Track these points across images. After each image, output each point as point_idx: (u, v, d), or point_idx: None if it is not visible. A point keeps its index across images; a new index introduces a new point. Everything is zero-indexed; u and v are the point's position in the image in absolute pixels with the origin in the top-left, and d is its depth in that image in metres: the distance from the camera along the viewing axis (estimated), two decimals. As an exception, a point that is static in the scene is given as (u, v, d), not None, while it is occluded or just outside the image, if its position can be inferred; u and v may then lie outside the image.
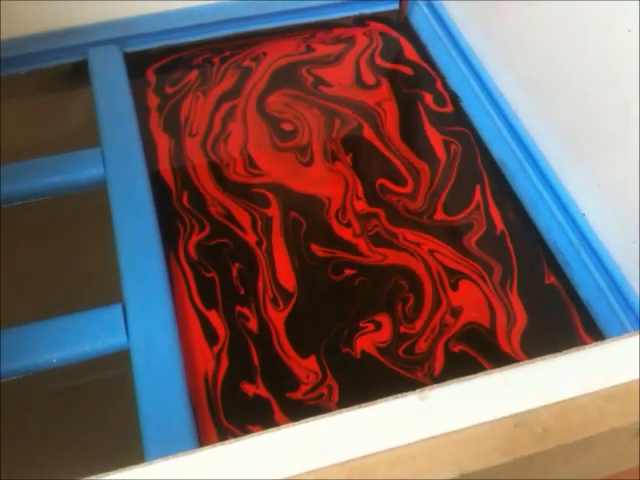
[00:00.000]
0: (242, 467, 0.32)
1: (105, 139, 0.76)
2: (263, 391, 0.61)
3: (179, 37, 0.89)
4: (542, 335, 0.66)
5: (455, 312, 0.67)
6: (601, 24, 0.63)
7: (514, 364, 0.35)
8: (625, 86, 0.61)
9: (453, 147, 0.81)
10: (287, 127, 0.82)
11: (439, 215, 0.74)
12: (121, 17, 0.88)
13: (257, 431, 0.33)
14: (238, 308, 0.66)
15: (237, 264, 0.69)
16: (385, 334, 0.65)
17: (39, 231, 0.72)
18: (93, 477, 0.31)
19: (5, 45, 0.83)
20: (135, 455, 0.54)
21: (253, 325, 0.65)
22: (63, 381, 0.61)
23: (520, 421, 0.33)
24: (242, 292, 0.67)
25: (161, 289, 0.64)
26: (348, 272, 0.69)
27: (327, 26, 0.94)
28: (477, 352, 0.64)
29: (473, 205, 0.75)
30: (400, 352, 0.64)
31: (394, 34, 0.94)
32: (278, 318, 0.65)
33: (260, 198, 0.75)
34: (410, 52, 0.91)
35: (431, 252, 0.71)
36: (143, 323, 0.61)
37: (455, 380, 0.34)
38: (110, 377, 0.62)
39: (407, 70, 0.89)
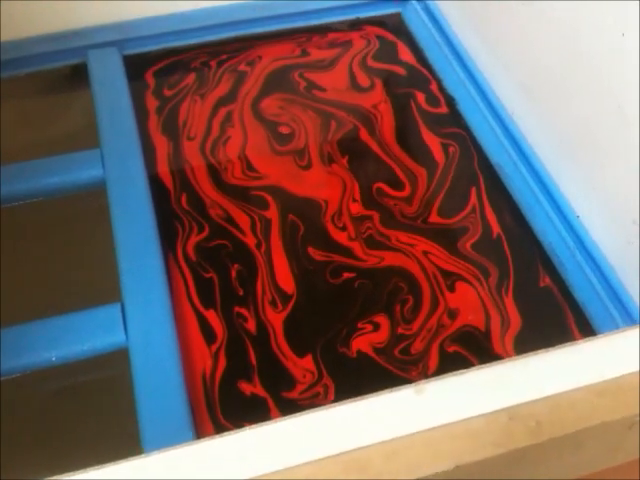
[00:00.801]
0: (238, 459, 0.32)
1: (104, 140, 0.76)
2: (260, 390, 0.61)
3: (178, 40, 0.90)
4: (536, 337, 0.66)
5: (452, 314, 0.67)
6: (596, 28, 0.63)
7: (509, 358, 0.35)
8: (619, 90, 0.62)
9: (452, 149, 0.81)
10: (284, 130, 0.82)
11: (434, 218, 0.75)
12: (120, 20, 0.88)
13: (254, 427, 0.33)
14: (237, 309, 0.66)
15: (236, 265, 0.70)
16: (383, 335, 0.65)
17: (38, 231, 0.72)
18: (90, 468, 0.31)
19: (5, 47, 0.84)
20: (133, 454, 0.54)
21: (251, 326, 0.65)
22: (62, 379, 0.61)
23: (514, 414, 0.34)
24: (241, 293, 0.68)
25: (159, 288, 0.64)
26: (347, 275, 0.69)
27: (324, 30, 0.94)
28: (471, 353, 0.65)
29: (469, 208, 0.76)
30: (396, 352, 0.64)
31: (390, 37, 0.94)
32: (276, 319, 0.66)
33: (259, 200, 0.75)
34: (406, 55, 0.92)
35: (425, 253, 0.71)
36: (141, 322, 0.62)
37: (450, 374, 0.35)
38: (109, 375, 0.62)
39: (403, 73, 0.90)
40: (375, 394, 0.34)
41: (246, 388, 0.61)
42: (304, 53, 0.91)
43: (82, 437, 0.59)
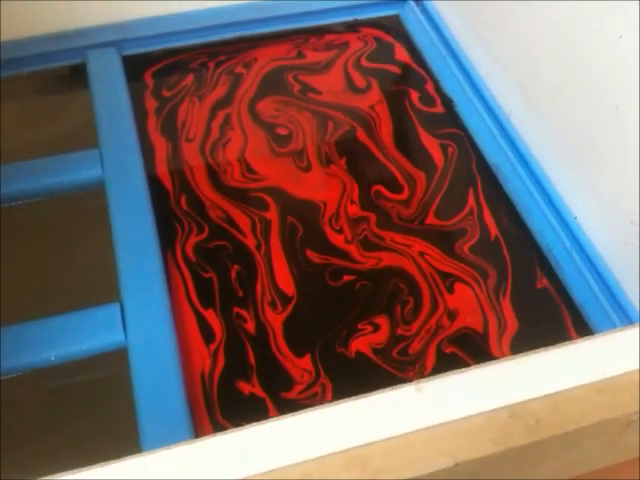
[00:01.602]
0: (237, 458, 0.32)
1: (103, 140, 0.76)
2: (258, 390, 0.61)
3: (177, 40, 0.90)
4: (534, 339, 0.66)
5: (451, 315, 0.67)
6: (593, 30, 0.64)
7: (508, 357, 0.36)
8: (616, 91, 0.62)
9: (450, 150, 0.81)
10: (282, 132, 0.82)
11: (431, 220, 0.75)
12: (120, 20, 0.88)
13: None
14: (236, 309, 0.66)
15: (236, 266, 0.70)
16: (382, 335, 0.65)
17: (37, 231, 0.72)
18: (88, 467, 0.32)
19: (4, 47, 0.84)
20: (132, 453, 0.54)
21: (250, 326, 0.65)
22: (61, 379, 0.61)
23: (514, 412, 0.34)
24: (240, 294, 0.68)
25: (158, 288, 0.64)
26: (347, 278, 0.69)
27: (321, 31, 0.94)
28: (467, 355, 0.65)
29: (466, 210, 0.76)
30: (394, 353, 0.64)
31: (388, 39, 0.95)
32: (276, 320, 0.66)
33: (259, 202, 0.75)
34: (404, 56, 0.92)
35: (421, 254, 0.71)
36: (140, 321, 0.62)
37: (451, 372, 0.35)
38: (108, 375, 0.62)
39: (401, 74, 0.90)
40: (375, 392, 0.34)
41: (245, 388, 0.61)
42: (300, 55, 0.91)
43: (81, 436, 0.59)
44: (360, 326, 0.66)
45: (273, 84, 0.88)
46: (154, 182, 0.76)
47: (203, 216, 0.73)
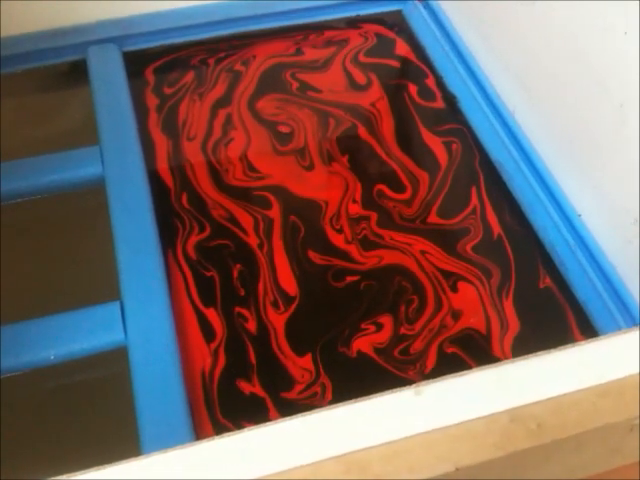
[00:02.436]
0: (236, 461, 0.32)
1: (104, 137, 0.76)
2: (259, 390, 0.61)
3: (178, 37, 0.90)
4: (537, 339, 0.66)
5: (455, 315, 0.67)
6: (598, 26, 0.63)
7: (509, 360, 0.35)
8: (620, 88, 0.62)
9: (454, 146, 0.81)
10: (284, 129, 0.82)
11: (433, 219, 0.74)
12: (120, 16, 0.88)
13: (252, 428, 0.33)
14: (237, 309, 0.66)
15: (238, 265, 0.69)
16: (385, 335, 0.65)
17: (37, 229, 0.72)
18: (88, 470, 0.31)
19: (4, 43, 0.84)
20: (132, 451, 0.54)
21: (251, 326, 0.65)
22: (61, 378, 0.61)
23: (515, 416, 0.33)
24: (242, 293, 0.67)
25: (159, 287, 0.64)
26: (350, 279, 0.69)
27: (322, 27, 0.94)
28: (468, 355, 0.64)
29: (470, 208, 0.75)
30: (396, 352, 0.64)
31: (390, 34, 0.94)
32: (278, 320, 0.66)
33: (262, 200, 0.75)
34: (405, 51, 0.92)
35: (423, 253, 0.71)
36: (141, 320, 0.62)
37: (450, 375, 0.34)
38: (108, 374, 0.62)
39: (402, 69, 0.90)
40: (375, 395, 0.34)
41: (245, 387, 0.61)
42: (298, 52, 0.91)
43: (81, 435, 0.59)
44: (363, 326, 0.66)
45: (271, 82, 0.87)
46: (155, 180, 0.76)
47: (205, 215, 0.73)
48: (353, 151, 0.80)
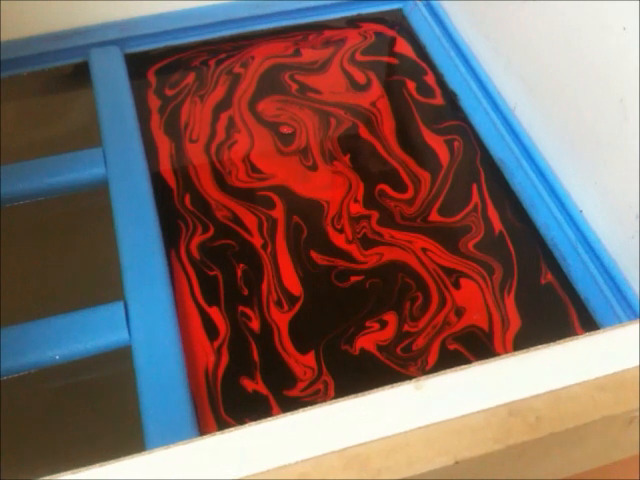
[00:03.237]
0: (238, 456, 0.32)
1: (106, 139, 0.76)
2: (262, 388, 0.61)
3: (180, 38, 0.90)
4: (539, 335, 0.66)
5: (459, 312, 0.67)
6: (597, 22, 0.63)
7: (509, 354, 0.35)
8: (621, 84, 0.62)
9: (456, 144, 0.81)
10: (286, 130, 0.82)
11: (434, 217, 0.74)
12: (122, 18, 0.88)
13: (255, 424, 0.33)
14: (241, 308, 0.66)
15: (242, 265, 0.69)
16: (388, 332, 0.65)
17: (41, 230, 0.72)
18: (94, 465, 0.32)
19: (6, 46, 0.84)
20: (137, 449, 0.54)
21: (255, 325, 0.65)
22: (65, 378, 0.62)
23: (514, 410, 0.34)
24: (246, 293, 0.68)
25: (162, 286, 0.64)
26: (353, 279, 0.69)
27: (322, 27, 0.94)
28: (470, 352, 0.65)
29: (471, 205, 0.76)
30: (398, 349, 0.64)
31: (390, 33, 0.94)
32: (282, 319, 0.66)
33: (266, 200, 0.75)
34: (404, 49, 0.92)
35: (424, 250, 0.71)
36: (144, 320, 0.62)
37: (450, 369, 0.35)
38: (112, 373, 0.62)
39: (403, 68, 0.90)
40: (375, 390, 0.34)
41: (248, 385, 0.61)
42: (296, 53, 0.91)
43: (85, 435, 0.59)
44: (368, 324, 0.66)
45: (270, 84, 0.87)
46: (158, 181, 0.76)
47: (208, 215, 0.73)
48: (355, 151, 0.81)
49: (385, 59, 0.91)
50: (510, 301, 0.68)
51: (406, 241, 0.72)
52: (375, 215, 0.74)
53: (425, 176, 0.78)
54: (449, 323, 0.66)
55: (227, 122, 0.83)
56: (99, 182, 0.74)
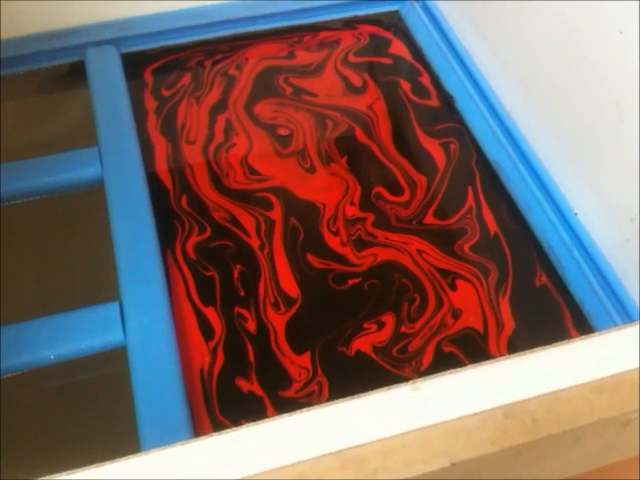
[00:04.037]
0: (234, 457, 0.32)
1: (102, 138, 0.76)
2: (257, 388, 0.61)
3: (176, 38, 0.90)
4: (534, 338, 0.66)
5: (455, 314, 0.67)
6: (594, 26, 0.63)
7: (505, 356, 0.35)
8: (618, 87, 0.62)
9: (452, 147, 0.81)
10: (284, 132, 0.82)
11: (430, 219, 0.74)
12: (118, 18, 0.88)
13: (251, 425, 0.33)
14: (237, 309, 0.66)
15: (238, 266, 0.69)
16: (385, 334, 0.65)
17: (36, 229, 0.72)
18: (89, 467, 0.32)
19: (3, 45, 0.84)
20: (132, 450, 0.54)
21: (251, 325, 0.65)
22: (60, 378, 0.61)
23: (510, 412, 0.34)
24: (242, 294, 0.68)
25: (158, 287, 0.64)
26: (351, 281, 0.69)
27: (317, 29, 0.94)
28: (464, 354, 0.65)
29: (466, 208, 0.76)
30: (394, 350, 0.64)
31: (386, 34, 0.94)
32: (278, 321, 0.66)
33: (264, 201, 0.75)
34: (399, 51, 0.92)
35: (419, 252, 0.71)
36: (140, 320, 0.62)
37: (447, 372, 0.35)
38: (107, 374, 0.62)
39: (395, 68, 0.90)
40: (372, 392, 0.34)
41: (243, 385, 0.61)
42: (290, 55, 0.90)
43: (80, 435, 0.59)
44: (366, 325, 0.66)
45: (265, 87, 0.87)
46: (154, 181, 0.76)
47: (205, 216, 0.73)
48: (352, 153, 0.81)
49: (380, 60, 0.91)
50: (505, 303, 0.68)
51: (401, 242, 0.72)
52: (371, 217, 0.74)
53: (421, 179, 0.78)
54: (445, 325, 0.66)
55: (225, 125, 0.83)
56: (95, 182, 0.73)
